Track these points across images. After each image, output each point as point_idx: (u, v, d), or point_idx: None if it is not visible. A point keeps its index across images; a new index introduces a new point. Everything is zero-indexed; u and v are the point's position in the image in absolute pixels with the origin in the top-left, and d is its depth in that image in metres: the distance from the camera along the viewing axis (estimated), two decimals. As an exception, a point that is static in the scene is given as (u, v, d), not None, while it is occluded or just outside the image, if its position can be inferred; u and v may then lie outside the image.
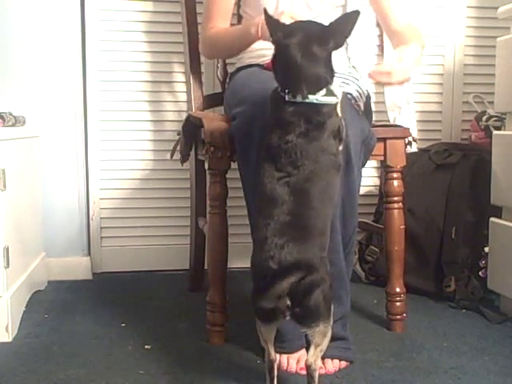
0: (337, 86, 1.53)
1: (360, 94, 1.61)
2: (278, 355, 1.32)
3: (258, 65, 1.75)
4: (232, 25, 1.84)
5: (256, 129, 1.43)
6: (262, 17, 1.33)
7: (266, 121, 1.41)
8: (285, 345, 1.43)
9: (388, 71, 1.49)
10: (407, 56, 1.52)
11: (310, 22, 1.34)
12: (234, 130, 1.49)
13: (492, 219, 1.89)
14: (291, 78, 1.24)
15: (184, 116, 1.83)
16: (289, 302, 1.15)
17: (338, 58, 1.51)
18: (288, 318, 1.17)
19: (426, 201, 2.06)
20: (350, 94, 1.55)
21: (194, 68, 2.01)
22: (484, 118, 2.24)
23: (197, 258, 2.06)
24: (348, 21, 1.25)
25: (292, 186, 1.20)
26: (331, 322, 1.22)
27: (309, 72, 1.23)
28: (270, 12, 1.57)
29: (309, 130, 1.22)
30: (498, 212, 1.87)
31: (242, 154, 1.48)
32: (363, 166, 1.53)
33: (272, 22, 1.28)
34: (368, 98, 1.68)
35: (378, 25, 1.96)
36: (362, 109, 1.58)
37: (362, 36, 1.92)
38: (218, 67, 2.06)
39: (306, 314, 1.17)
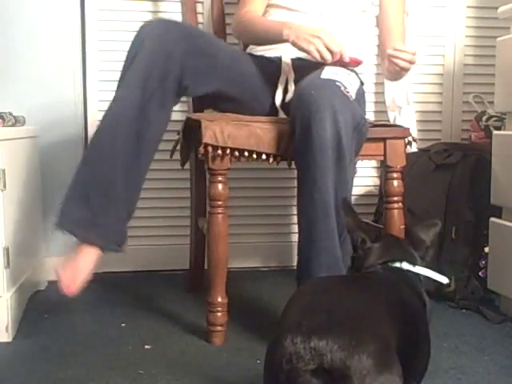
0: (326, 74, 1.55)
1: (350, 82, 1.60)
2: None
3: (263, 57, 1.80)
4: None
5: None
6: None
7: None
8: None
9: (411, 51, 1.57)
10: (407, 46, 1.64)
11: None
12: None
13: (492, 219, 1.89)
14: None
15: (184, 116, 1.82)
16: None
17: None
18: None
19: (425, 201, 2.06)
20: (340, 81, 1.54)
21: (194, 68, 2.00)
22: (484, 118, 2.24)
23: (197, 258, 2.06)
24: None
25: None
26: None
27: None
28: None
29: None
30: (497, 212, 1.87)
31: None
32: (357, 154, 1.54)
33: (355, 222, 1.19)
34: (360, 88, 1.68)
35: (378, 25, 1.96)
36: (353, 96, 1.56)
37: (362, 35, 1.92)
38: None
39: None
